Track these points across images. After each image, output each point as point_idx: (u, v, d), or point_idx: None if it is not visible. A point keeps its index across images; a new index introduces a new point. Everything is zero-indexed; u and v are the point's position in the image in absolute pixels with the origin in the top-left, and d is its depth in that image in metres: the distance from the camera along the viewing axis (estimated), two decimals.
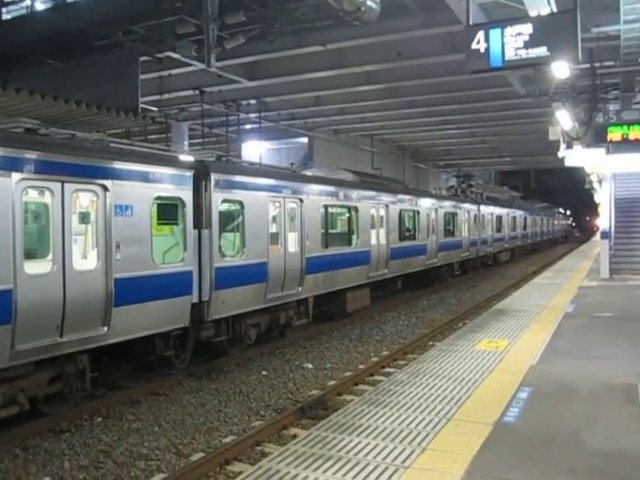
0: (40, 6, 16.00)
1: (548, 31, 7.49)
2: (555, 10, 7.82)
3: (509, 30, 7.64)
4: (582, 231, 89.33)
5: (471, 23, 8.28)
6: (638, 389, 6.54)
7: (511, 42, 7.61)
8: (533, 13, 7.85)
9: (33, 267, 7.59)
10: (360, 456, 4.90)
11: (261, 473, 4.62)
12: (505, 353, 8.41)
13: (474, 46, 7.85)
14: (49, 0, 16.20)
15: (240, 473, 6.64)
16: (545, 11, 7.78)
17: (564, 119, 16.74)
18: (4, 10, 16.32)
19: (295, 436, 7.41)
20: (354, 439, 5.28)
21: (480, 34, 7.82)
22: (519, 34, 7.57)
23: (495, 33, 7.74)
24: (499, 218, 34.39)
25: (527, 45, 7.54)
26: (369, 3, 10.55)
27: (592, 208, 57.78)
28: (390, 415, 5.91)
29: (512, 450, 4.97)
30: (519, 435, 5.30)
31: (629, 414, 5.81)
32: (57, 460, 7.12)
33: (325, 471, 4.64)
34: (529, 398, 6.33)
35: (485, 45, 7.78)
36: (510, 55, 7.67)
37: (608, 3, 11.43)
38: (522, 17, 7.90)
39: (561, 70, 10.04)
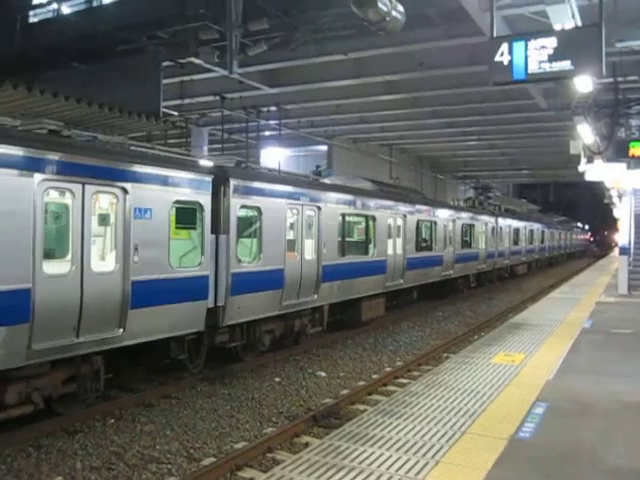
0: (66, 10, 16.25)
1: (572, 45, 7.45)
2: (580, 24, 7.81)
3: (533, 43, 7.62)
4: (600, 246, 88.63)
5: (495, 35, 8.26)
6: None
7: (535, 55, 7.58)
8: (557, 27, 7.86)
9: (52, 267, 7.65)
10: (373, 467, 4.87)
11: None
12: (521, 367, 8.33)
13: (497, 58, 7.83)
14: (75, 4, 16.45)
15: (251, 479, 6.67)
16: (569, 25, 7.79)
17: (585, 133, 16.64)
18: (31, 13, 16.61)
19: (307, 444, 7.39)
20: (367, 449, 5.25)
21: (504, 46, 7.80)
22: (543, 47, 7.53)
23: (519, 46, 7.72)
24: (516, 231, 34.15)
25: (551, 59, 7.51)
26: (394, 14, 10.59)
27: (611, 223, 57.35)
28: (404, 426, 5.87)
29: (527, 466, 4.91)
30: (534, 451, 5.23)
31: None
32: (69, 460, 7.15)
33: None
34: (545, 414, 6.26)
35: (509, 57, 7.76)
36: (533, 68, 7.64)
37: (633, 18, 11.38)
38: (546, 31, 7.89)
39: (584, 84, 10.01)
